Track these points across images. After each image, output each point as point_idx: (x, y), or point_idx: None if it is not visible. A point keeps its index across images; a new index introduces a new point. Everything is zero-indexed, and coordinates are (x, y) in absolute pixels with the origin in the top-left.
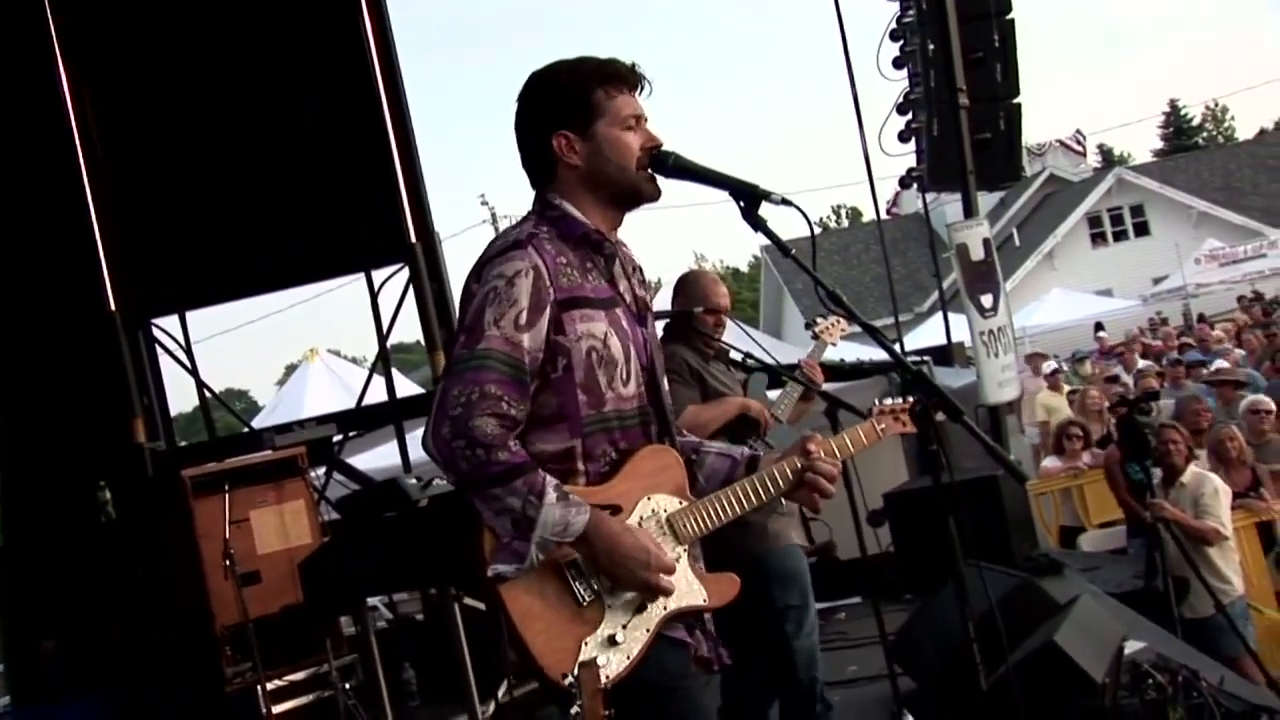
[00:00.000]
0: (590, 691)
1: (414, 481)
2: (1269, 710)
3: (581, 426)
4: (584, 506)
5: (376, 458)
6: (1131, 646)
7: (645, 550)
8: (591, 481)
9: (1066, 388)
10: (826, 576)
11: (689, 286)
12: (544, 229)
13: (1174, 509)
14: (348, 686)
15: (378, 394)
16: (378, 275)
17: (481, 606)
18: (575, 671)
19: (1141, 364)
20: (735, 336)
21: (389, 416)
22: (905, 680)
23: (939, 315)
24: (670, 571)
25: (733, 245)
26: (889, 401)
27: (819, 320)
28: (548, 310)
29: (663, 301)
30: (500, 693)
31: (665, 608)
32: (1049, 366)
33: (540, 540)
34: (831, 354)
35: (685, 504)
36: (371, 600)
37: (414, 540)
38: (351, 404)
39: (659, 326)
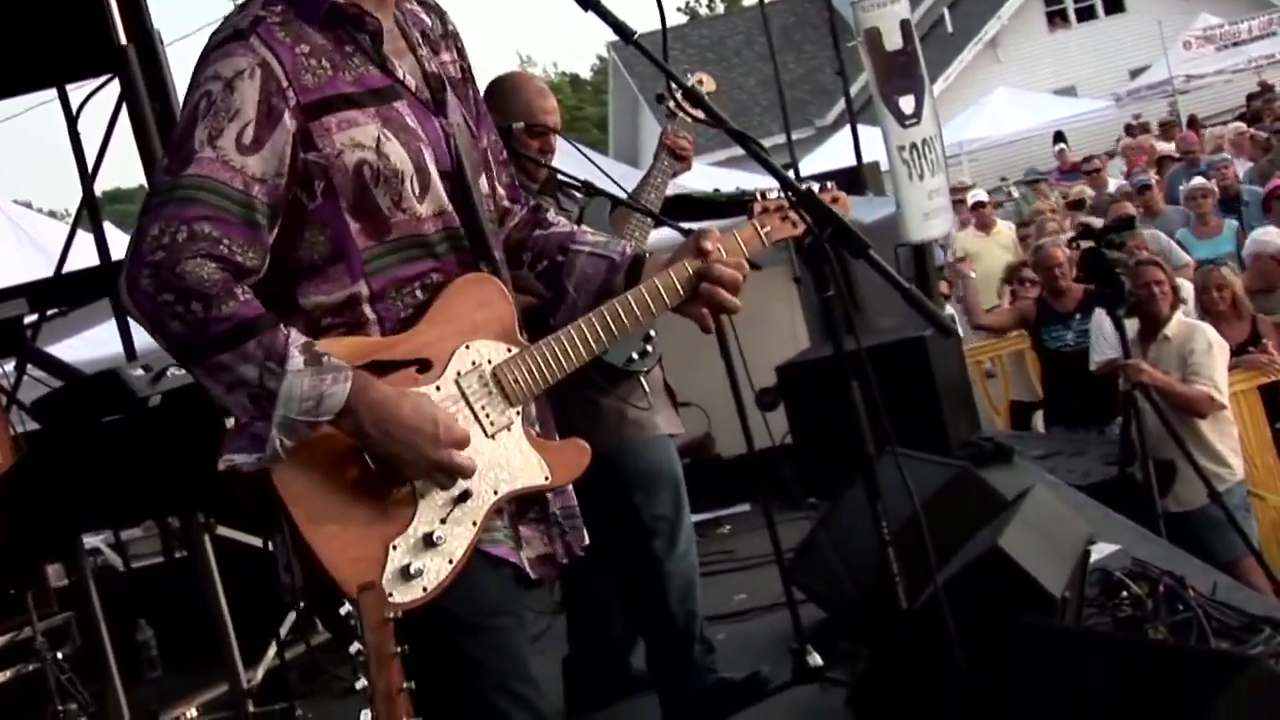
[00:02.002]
0: (374, 623)
1: (140, 373)
2: (1273, 622)
3: (363, 264)
4: (343, 371)
5: (87, 344)
6: (1100, 550)
7: (431, 421)
8: (391, 330)
9: (1006, 226)
10: (704, 479)
11: (504, 98)
12: (275, 9)
13: (1155, 371)
14: (59, 656)
15: (85, 257)
16: (76, 93)
17: (243, 539)
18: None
19: (1114, 184)
20: (574, 164)
21: (102, 287)
22: (809, 609)
23: (847, 130)
24: (464, 444)
25: (570, 45)
26: (773, 194)
27: (668, 94)
28: (286, 121)
29: None
30: (282, 633)
31: (495, 491)
32: (975, 197)
33: (283, 421)
34: (703, 182)
35: (515, 351)
36: (88, 540)
37: (144, 454)
38: (48, 271)
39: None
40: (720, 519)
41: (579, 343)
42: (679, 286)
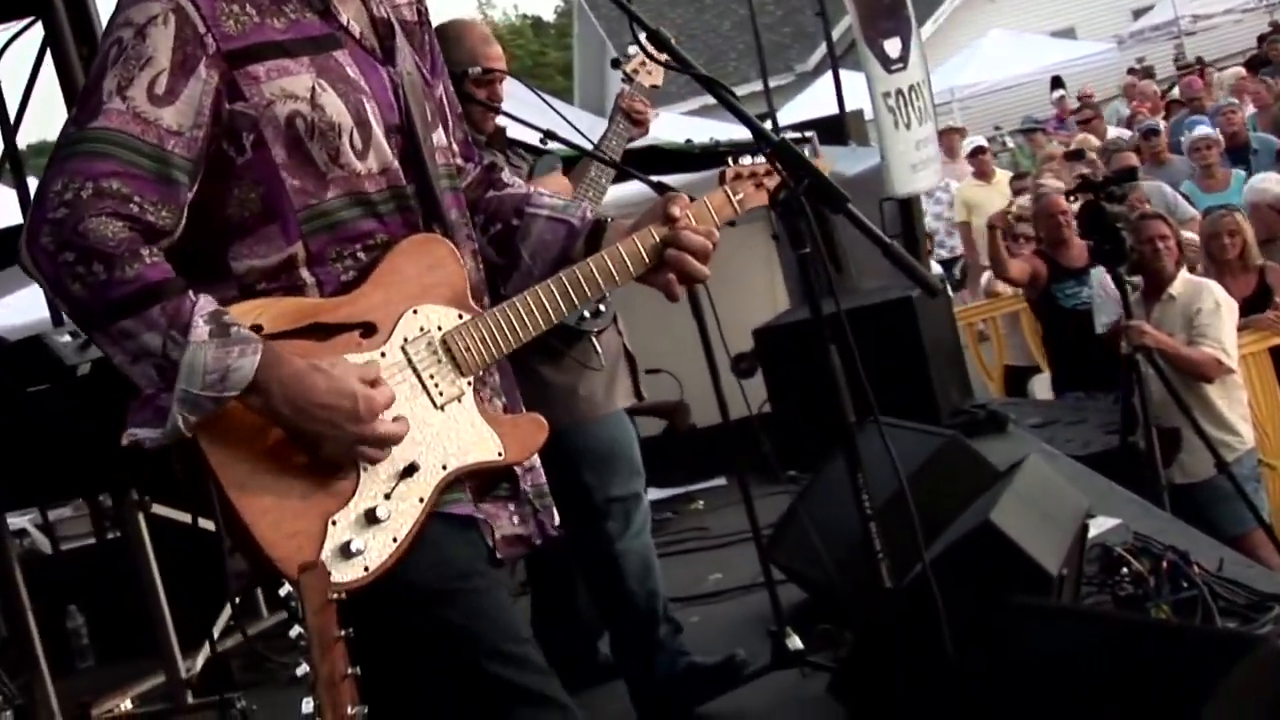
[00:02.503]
0: (316, 605)
1: (68, 339)
2: None
3: (299, 224)
4: (252, 343)
5: (10, 309)
6: (1099, 525)
7: (349, 395)
8: (333, 292)
9: (1003, 174)
10: (676, 452)
11: (447, 46)
12: None
13: (1158, 333)
14: None
15: (7, 215)
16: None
17: (180, 517)
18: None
19: (1114, 132)
20: (536, 112)
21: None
22: (789, 589)
23: (829, 76)
24: (387, 405)
25: None
26: (746, 160)
27: (629, 52)
28: (203, 70)
29: None
30: (217, 628)
31: (444, 466)
32: (970, 144)
33: (184, 395)
34: (674, 133)
35: (467, 317)
36: (13, 520)
37: (73, 426)
38: None
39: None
40: (693, 494)
41: (535, 311)
42: (644, 254)
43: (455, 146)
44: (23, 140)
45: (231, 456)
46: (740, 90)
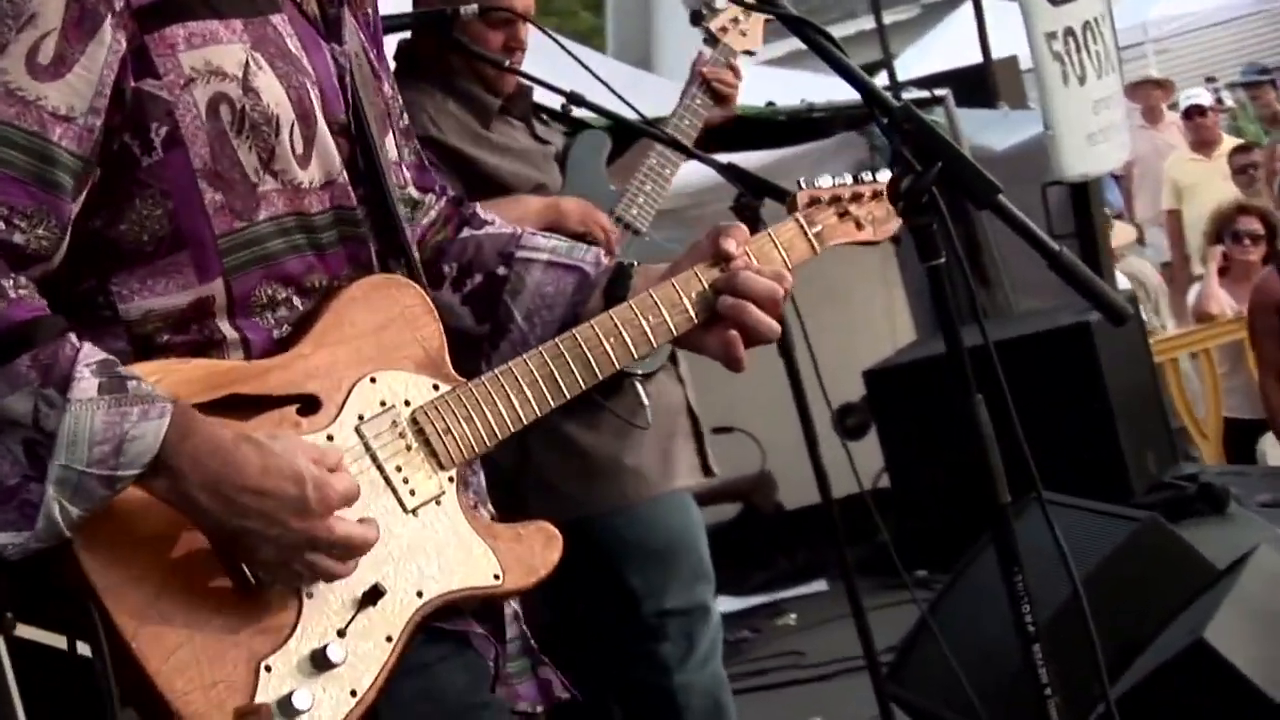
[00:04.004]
0: None
1: None
2: None
3: (219, 255)
4: (157, 403)
5: None
6: None
7: (292, 476)
8: (260, 353)
9: (1229, 142)
10: (758, 545)
11: None
12: None
13: None
14: None
15: None
16: None
17: (52, 641)
18: None
19: None
20: (552, 68)
21: None
22: None
23: (966, 8)
24: (349, 499)
25: None
26: (825, 180)
27: (715, 4)
28: (108, 31)
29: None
30: None
31: (420, 593)
32: (1190, 98)
33: (64, 474)
34: (760, 93)
35: (446, 388)
36: None
37: None
38: None
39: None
40: (783, 603)
41: (541, 383)
42: (689, 305)
43: (406, 170)
44: None
45: (123, 572)
46: (843, 30)
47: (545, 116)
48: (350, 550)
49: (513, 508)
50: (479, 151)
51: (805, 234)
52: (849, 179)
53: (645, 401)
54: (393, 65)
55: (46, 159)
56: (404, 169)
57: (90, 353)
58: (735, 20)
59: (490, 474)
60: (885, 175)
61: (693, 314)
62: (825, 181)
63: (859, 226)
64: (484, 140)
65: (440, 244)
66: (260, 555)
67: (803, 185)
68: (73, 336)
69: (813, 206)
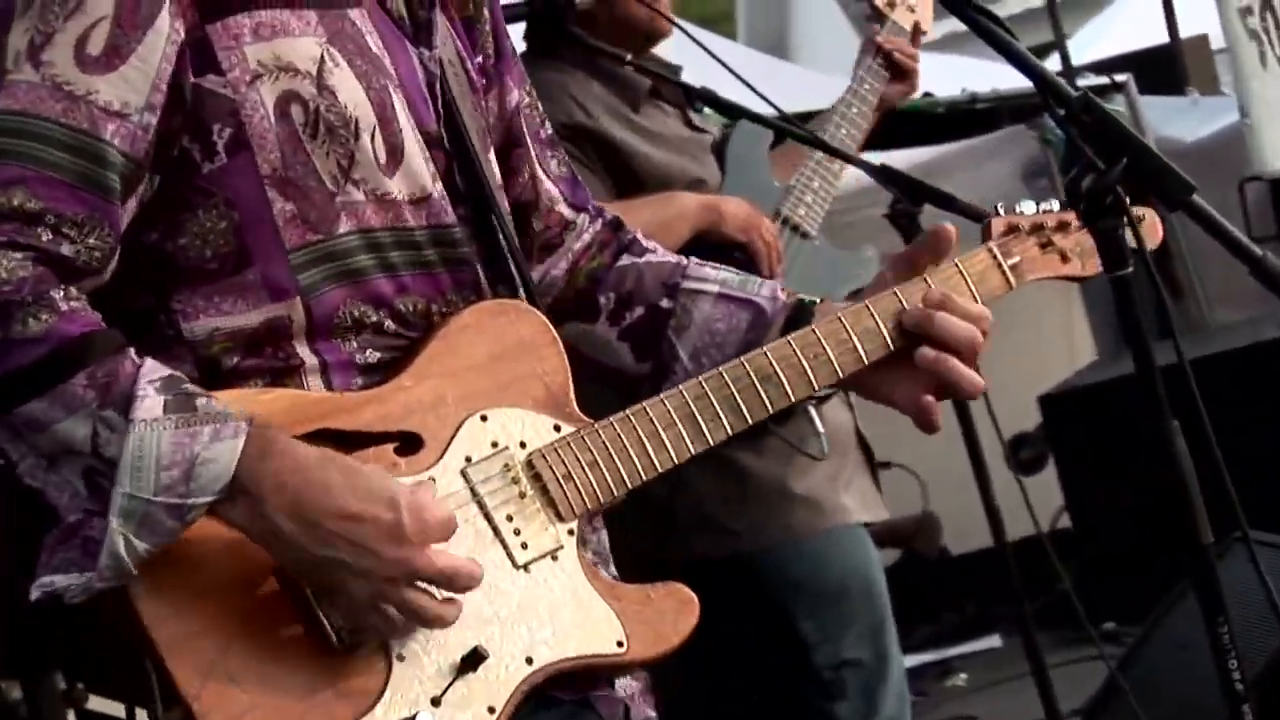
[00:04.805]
0: None
1: None
2: None
3: (292, 272)
4: (230, 422)
5: None
6: None
7: (388, 499)
8: (345, 384)
9: None
10: (921, 594)
11: None
12: None
13: None
14: None
15: None
16: None
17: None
18: None
19: None
20: (677, 57)
21: None
22: None
23: None
24: (448, 529)
25: None
26: (1030, 208)
27: None
28: (165, 20)
29: None
30: None
31: (530, 659)
32: None
33: (129, 504)
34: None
35: (569, 429)
36: None
37: None
38: None
39: (514, 34)
40: (952, 662)
41: (679, 425)
42: (884, 331)
43: (550, 185)
44: None
45: (186, 624)
46: (1011, 5)
47: (692, 94)
48: (452, 586)
49: (663, 542)
50: (630, 137)
51: (1000, 266)
52: (1055, 205)
53: (820, 429)
54: (522, 46)
55: (97, 159)
56: (545, 185)
57: (153, 368)
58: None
59: (637, 504)
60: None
61: (879, 352)
62: (1028, 208)
63: (1064, 259)
64: (634, 125)
65: (595, 271)
66: (348, 593)
67: (999, 210)
68: (132, 352)
69: (1010, 235)
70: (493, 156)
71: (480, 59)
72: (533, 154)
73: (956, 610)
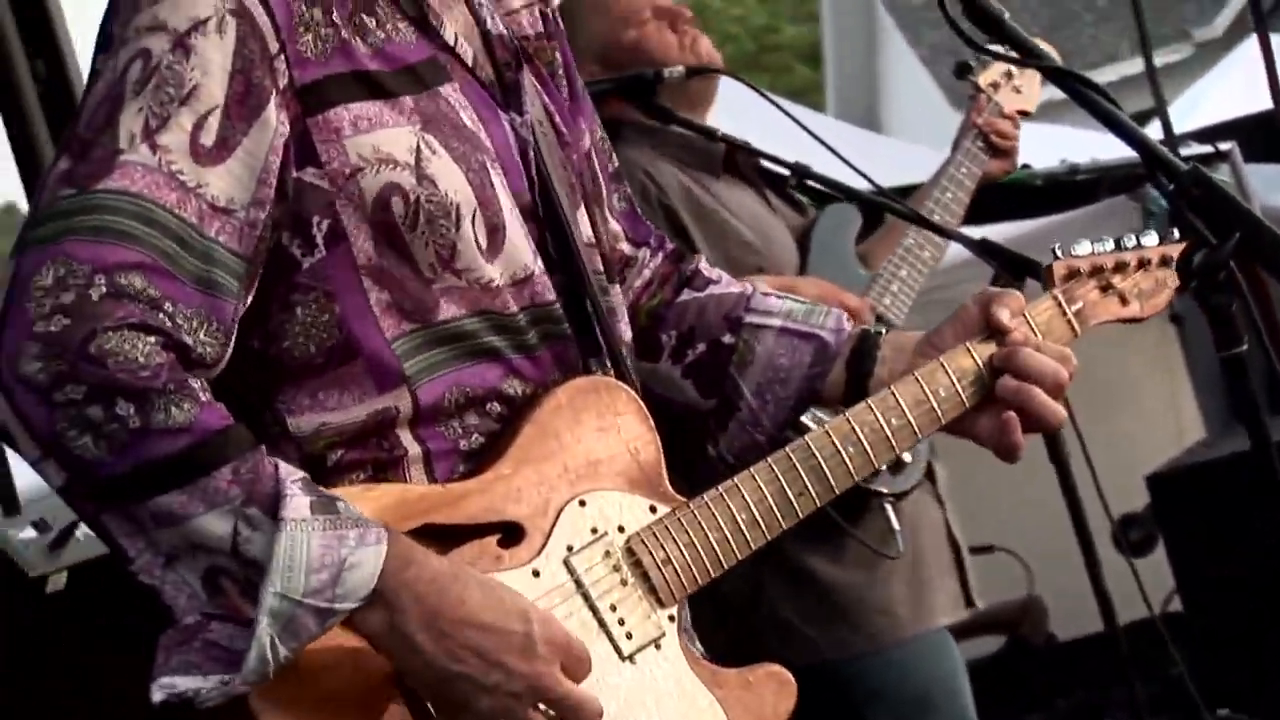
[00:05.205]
0: None
1: (30, 535)
2: None
3: (397, 361)
4: (372, 528)
5: None
6: None
7: (519, 615)
8: (448, 473)
9: None
10: (1027, 682)
11: (577, 32)
12: None
13: None
14: None
15: None
16: None
17: None
18: None
19: None
20: (765, 131)
21: None
22: None
23: (1249, 43)
24: (580, 663)
25: None
26: (1084, 246)
27: (980, 60)
28: (272, 112)
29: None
30: None
31: None
32: None
33: (279, 606)
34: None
35: (665, 509)
36: None
37: (43, 674)
38: None
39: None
40: None
41: (770, 499)
42: (959, 388)
43: (615, 224)
44: None
45: None
46: (1106, 73)
47: (785, 187)
48: (576, 716)
49: (742, 649)
50: (703, 225)
51: (1064, 313)
52: (1109, 244)
53: (896, 527)
54: None
55: (206, 256)
56: (610, 223)
57: (289, 469)
58: (1008, 75)
59: (718, 610)
60: (1151, 239)
61: (963, 398)
62: (1083, 249)
63: (1124, 302)
64: (707, 209)
65: (657, 309)
66: (472, 708)
67: (1058, 254)
68: (264, 449)
69: (1071, 280)
70: (583, 213)
71: (563, 101)
72: (603, 193)
73: (1065, 697)
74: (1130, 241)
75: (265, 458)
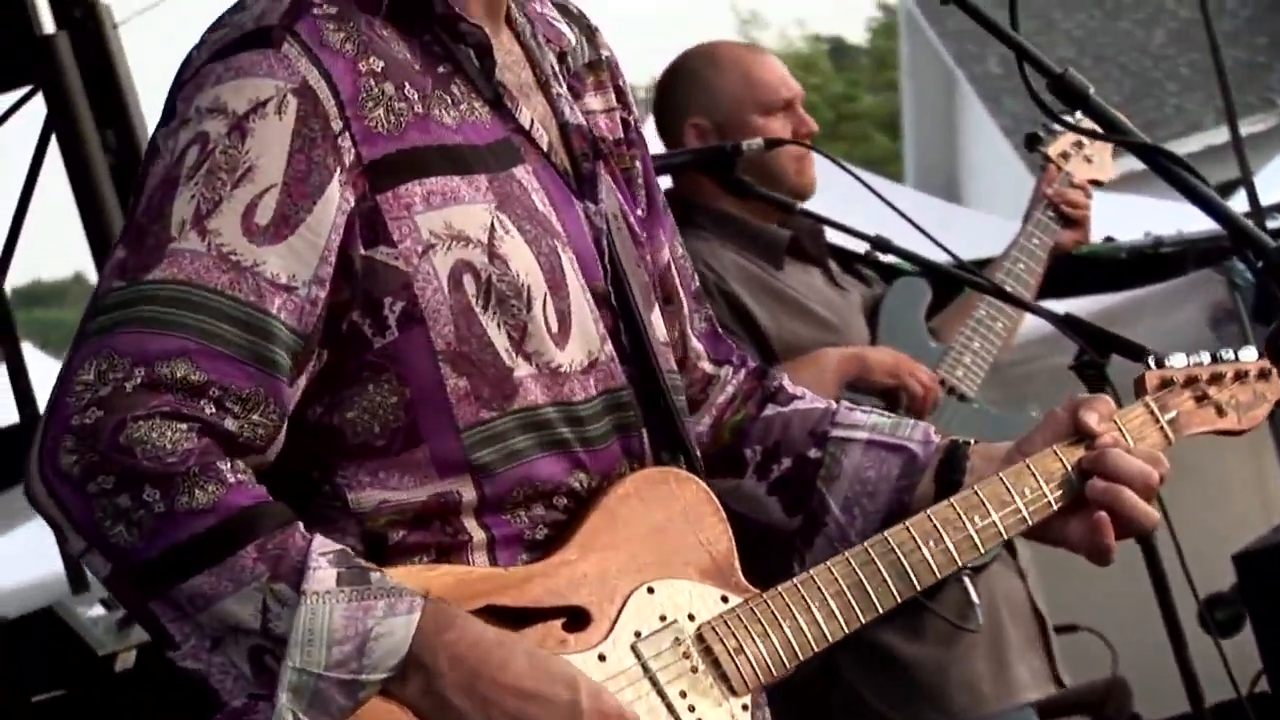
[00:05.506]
0: None
1: (99, 612)
2: None
3: (465, 450)
4: (405, 597)
5: (3, 560)
6: None
7: (566, 682)
8: (510, 556)
9: None
10: None
11: (703, 85)
12: None
13: None
14: None
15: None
16: None
17: None
18: None
19: None
20: (841, 200)
21: (22, 460)
22: None
23: None
24: (618, 713)
25: None
26: (1178, 359)
27: (1050, 130)
28: (336, 189)
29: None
30: None
31: None
32: None
33: (299, 680)
34: (1095, 225)
35: (736, 600)
36: None
37: None
38: None
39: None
40: None
41: (848, 593)
42: (1046, 490)
43: (696, 342)
44: (10, 282)
45: None
46: (1190, 143)
47: (856, 265)
48: None
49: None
50: (764, 306)
51: (1158, 421)
52: (1206, 358)
53: (976, 600)
54: None
55: (264, 334)
56: (691, 340)
57: (324, 542)
58: (1078, 144)
59: (791, 688)
60: (1249, 354)
61: (1052, 501)
62: (1178, 360)
63: (1220, 413)
64: (771, 290)
65: (741, 424)
66: None
67: (1152, 364)
68: (301, 526)
69: (1165, 389)
70: (657, 314)
71: (638, 212)
72: (685, 310)
73: None
74: (1228, 354)
75: (298, 533)
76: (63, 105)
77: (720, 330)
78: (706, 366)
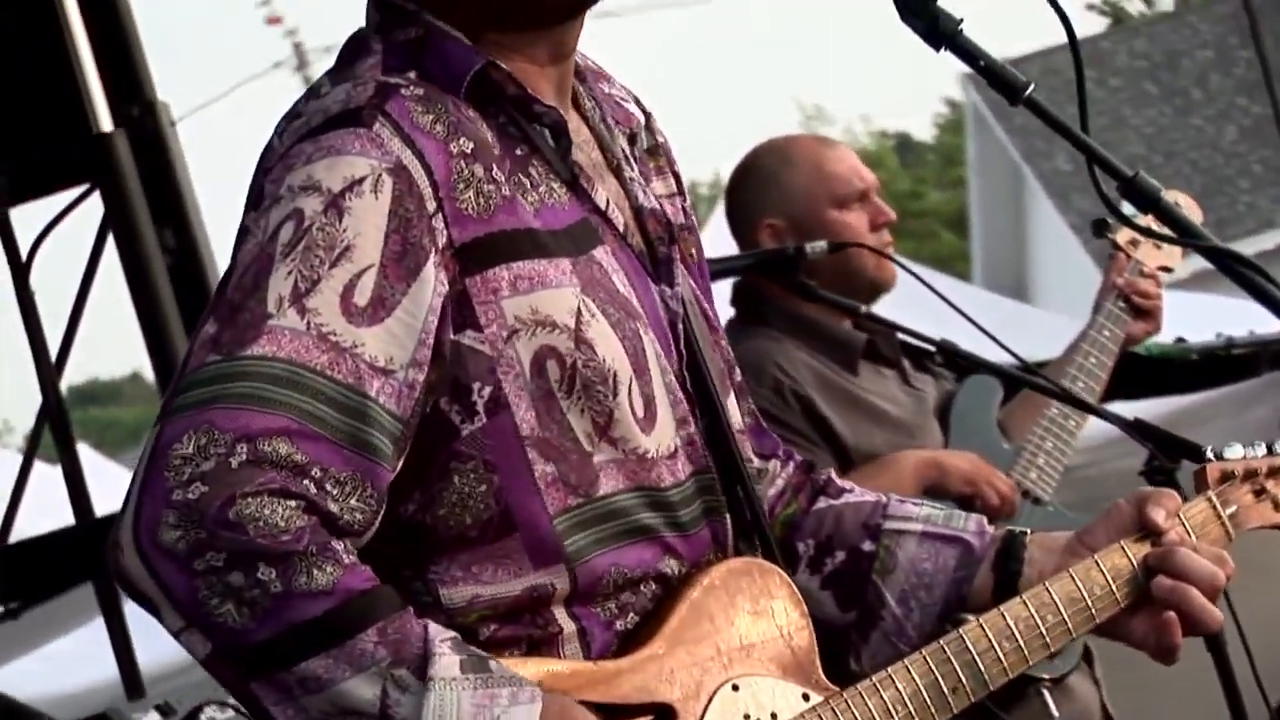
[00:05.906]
0: None
1: (154, 718)
2: None
3: (558, 539)
4: (526, 686)
5: (53, 667)
6: None
7: None
8: (601, 652)
9: None
10: None
11: (775, 183)
12: (406, 74)
13: None
14: None
15: (52, 511)
16: (24, 222)
17: None
18: None
19: None
20: (909, 302)
21: (77, 563)
22: None
23: None
24: None
25: (893, 86)
26: (1236, 450)
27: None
28: (431, 271)
29: (717, 243)
30: None
31: None
32: None
33: None
34: (1165, 325)
35: (818, 698)
36: None
37: None
38: None
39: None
40: None
41: (924, 693)
42: (1114, 587)
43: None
44: (66, 381)
45: None
46: (1263, 240)
47: (928, 362)
48: None
49: None
50: (838, 410)
51: (1219, 516)
52: (1262, 449)
53: (1055, 713)
54: (728, 313)
55: (363, 417)
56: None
57: (440, 629)
58: (1141, 240)
59: None
60: None
61: (1119, 599)
62: (1234, 453)
63: (1277, 507)
64: (848, 395)
65: (792, 518)
66: None
67: (1212, 457)
68: (412, 610)
69: (1225, 483)
70: (733, 400)
71: (710, 298)
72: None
73: None
74: None
75: (413, 618)
76: (120, 203)
77: (764, 425)
78: (755, 462)
